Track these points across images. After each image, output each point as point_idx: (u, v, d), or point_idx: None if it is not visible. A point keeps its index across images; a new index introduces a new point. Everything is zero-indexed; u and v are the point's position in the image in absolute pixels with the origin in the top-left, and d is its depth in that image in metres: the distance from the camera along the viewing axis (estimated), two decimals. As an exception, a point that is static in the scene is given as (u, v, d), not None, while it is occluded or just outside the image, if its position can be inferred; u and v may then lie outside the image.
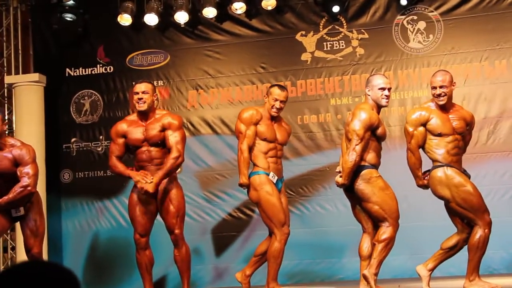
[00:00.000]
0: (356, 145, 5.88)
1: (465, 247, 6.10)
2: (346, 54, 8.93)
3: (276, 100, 6.40)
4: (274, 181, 6.34)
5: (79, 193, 9.29)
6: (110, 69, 9.48)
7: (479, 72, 8.52)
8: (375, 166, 6.04)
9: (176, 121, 6.32)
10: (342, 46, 8.95)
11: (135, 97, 6.33)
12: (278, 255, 6.24)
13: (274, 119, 6.50)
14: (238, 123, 6.46)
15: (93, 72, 9.50)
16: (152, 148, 6.29)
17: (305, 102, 8.92)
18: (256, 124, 6.39)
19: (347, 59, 8.91)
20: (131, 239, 6.46)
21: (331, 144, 8.69)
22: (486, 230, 5.97)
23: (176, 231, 6.25)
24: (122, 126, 6.47)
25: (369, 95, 6.09)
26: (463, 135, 6.18)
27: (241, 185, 6.38)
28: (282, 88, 6.56)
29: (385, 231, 5.93)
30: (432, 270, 6.18)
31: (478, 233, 5.97)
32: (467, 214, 6.02)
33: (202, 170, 9.03)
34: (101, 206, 9.18)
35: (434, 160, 6.12)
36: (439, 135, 6.06)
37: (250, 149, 6.36)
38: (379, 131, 6.03)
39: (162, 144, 6.28)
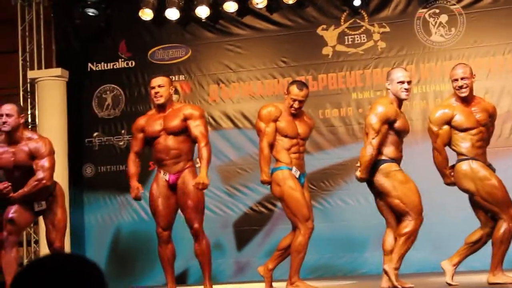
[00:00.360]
0: (373, 138, 5.88)
1: (489, 242, 6.06)
2: (367, 48, 8.89)
3: (295, 100, 6.36)
4: (297, 176, 6.31)
5: (101, 187, 9.34)
6: (132, 63, 9.51)
7: (502, 65, 8.46)
8: (395, 160, 6.01)
9: (197, 111, 6.34)
10: (364, 40, 8.91)
11: (152, 91, 6.35)
12: (302, 250, 6.23)
13: (295, 114, 6.46)
14: (258, 121, 6.45)
15: (115, 66, 9.53)
16: (169, 137, 6.27)
17: (327, 96, 8.90)
18: (275, 120, 6.36)
19: (368, 53, 8.88)
20: (153, 233, 6.47)
21: (352, 138, 8.67)
22: (510, 224, 5.94)
23: (195, 225, 6.22)
24: (141, 121, 6.50)
25: (389, 89, 6.08)
26: (487, 126, 6.15)
27: (262, 182, 6.40)
28: (301, 86, 6.43)
29: (407, 225, 5.90)
30: (457, 265, 6.15)
31: (503, 227, 5.94)
32: (492, 208, 5.99)
33: (223, 164, 9.03)
34: (123, 200, 9.21)
35: (459, 154, 6.09)
36: (465, 130, 6.04)
37: (272, 146, 6.35)
38: (397, 124, 5.99)
39: (180, 133, 6.26)
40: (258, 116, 6.45)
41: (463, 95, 6.07)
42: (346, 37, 8.95)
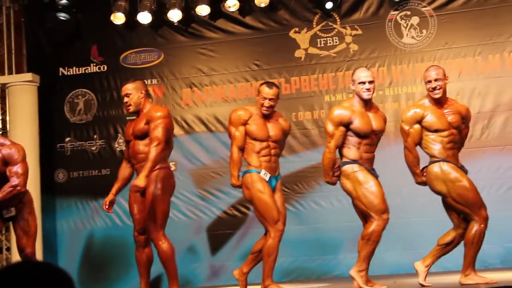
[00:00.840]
0: (328, 142, 6.10)
1: (462, 242, 6.12)
2: (339, 51, 8.93)
3: (265, 98, 6.36)
4: (267, 179, 6.32)
5: (73, 193, 9.27)
6: (103, 68, 9.46)
7: (472, 67, 8.53)
8: (357, 161, 6.07)
9: (158, 112, 6.16)
10: (336, 42, 8.95)
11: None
12: (273, 252, 6.23)
13: (268, 116, 6.46)
14: (229, 125, 6.48)
15: (86, 71, 9.48)
16: (136, 141, 6.24)
17: (299, 99, 8.92)
18: (244, 124, 6.37)
19: (340, 55, 8.91)
20: (127, 238, 6.47)
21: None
22: (482, 225, 5.99)
23: (150, 232, 6.14)
24: (127, 127, 6.53)
25: (353, 90, 6.18)
26: (459, 129, 6.20)
27: (232, 185, 6.44)
28: (271, 85, 6.48)
29: (368, 226, 5.97)
30: (429, 266, 6.20)
31: (474, 228, 5.99)
32: (463, 209, 6.04)
33: (196, 168, 9.02)
34: (96, 205, 9.13)
35: (430, 156, 6.14)
36: (436, 131, 6.09)
37: (243, 149, 6.38)
38: (354, 126, 6.06)
39: (145, 137, 6.17)
40: (229, 120, 6.48)
41: (436, 96, 6.13)
42: (318, 40, 8.98)
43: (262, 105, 6.38)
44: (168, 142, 6.18)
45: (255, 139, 6.36)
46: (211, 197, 8.95)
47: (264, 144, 6.38)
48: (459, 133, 6.21)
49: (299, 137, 8.82)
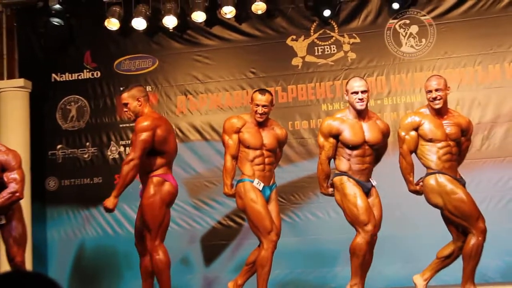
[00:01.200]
0: (320, 154, 6.17)
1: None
2: (337, 59, 8.90)
3: (258, 105, 6.35)
4: (260, 188, 6.28)
5: (64, 201, 9.23)
6: (97, 74, 9.43)
7: (472, 77, 8.51)
8: (346, 173, 6.05)
9: (138, 123, 6.06)
10: (334, 50, 8.92)
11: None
12: (266, 264, 6.17)
13: (263, 124, 6.43)
14: (222, 133, 6.48)
15: (79, 77, 9.45)
16: None
17: (296, 108, 8.89)
18: (238, 132, 6.36)
19: (338, 64, 8.89)
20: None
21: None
22: (480, 238, 5.95)
23: (146, 241, 6.10)
24: None
25: (347, 100, 6.17)
26: (458, 141, 6.16)
27: (225, 194, 6.40)
28: (263, 92, 6.46)
29: (353, 239, 5.96)
30: (428, 279, 6.18)
31: (472, 241, 5.96)
32: (460, 222, 6.00)
33: (190, 177, 8.97)
34: (87, 214, 9.11)
35: (427, 167, 6.13)
36: (430, 140, 6.09)
37: (236, 157, 6.33)
38: (342, 137, 6.08)
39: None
40: (223, 128, 6.47)
41: (436, 106, 6.11)
42: (316, 48, 8.95)
43: (255, 112, 6.36)
44: (160, 152, 6.07)
45: (248, 147, 6.33)
46: (205, 207, 8.90)
47: (258, 152, 6.34)
48: (457, 145, 6.17)
49: (296, 146, 8.78)
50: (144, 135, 5.97)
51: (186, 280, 8.67)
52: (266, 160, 6.40)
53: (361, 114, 6.13)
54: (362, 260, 5.94)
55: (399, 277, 7.83)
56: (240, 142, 6.35)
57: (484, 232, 5.98)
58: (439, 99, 6.10)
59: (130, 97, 6.20)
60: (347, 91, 6.14)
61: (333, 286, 8.34)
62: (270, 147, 6.44)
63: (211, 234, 8.86)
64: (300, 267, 8.50)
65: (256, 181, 6.28)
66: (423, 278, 6.16)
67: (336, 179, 6.10)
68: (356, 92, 6.06)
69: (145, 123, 6.03)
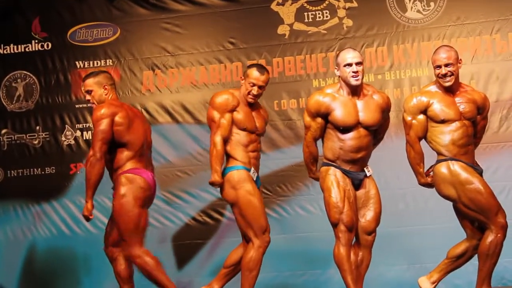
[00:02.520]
0: (305, 134, 6.17)
1: (476, 256, 6.11)
2: (331, 27, 8.90)
3: (254, 85, 6.36)
4: (254, 178, 6.31)
5: (11, 195, 9.20)
6: (47, 45, 9.39)
7: (489, 46, 8.52)
8: (334, 162, 6.06)
9: (94, 111, 6.15)
10: (327, 17, 8.92)
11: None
12: (255, 267, 6.19)
13: (251, 105, 6.46)
14: (211, 109, 6.40)
15: (27, 49, 9.41)
16: None
17: (283, 84, 8.89)
18: (232, 111, 6.34)
19: (332, 33, 8.88)
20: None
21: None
22: (499, 235, 5.97)
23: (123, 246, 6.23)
24: None
25: (338, 76, 6.10)
26: (474, 120, 6.16)
27: (212, 183, 6.31)
28: (262, 70, 6.47)
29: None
30: (436, 282, 6.20)
31: (490, 237, 5.99)
32: (477, 216, 6.02)
33: (160, 166, 8.93)
34: (38, 210, 9.10)
35: (438, 153, 6.12)
36: (443, 122, 6.06)
37: (225, 141, 6.31)
38: (332, 117, 6.03)
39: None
40: (211, 104, 6.39)
41: (447, 84, 6.10)
42: (305, 14, 8.95)
43: (249, 92, 6.36)
44: (123, 143, 6.14)
45: (244, 129, 6.30)
46: (178, 200, 8.92)
47: (253, 136, 6.36)
48: (473, 125, 6.17)
49: (283, 129, 8.78)
50: (101, 125, 6.05)
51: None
52: (259, 146, 6.47)
53: (356, 91, 6.11)
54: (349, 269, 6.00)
55: (402, 280, 7.88)
56: (234, 123, 6.33)
57: (504, 228, 5.99)
58: (449, 76, 6.09)
59: (95, 84, 6.29)
60: (338, 64, 6.06)
61: (326, 292, 8.40)
62: (262, 131, 6.53)
63: (184, 232, 8.87)
64: (289, 269, 8.53)
65: (252, 170, 6.29)
66: (431, 281, 6.18)
67: (323, 170, 6.10)
68: (350, 64, 6.00)
69: (100, 111, 6.10)
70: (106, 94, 6.26)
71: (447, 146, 6.06)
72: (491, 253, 5.99)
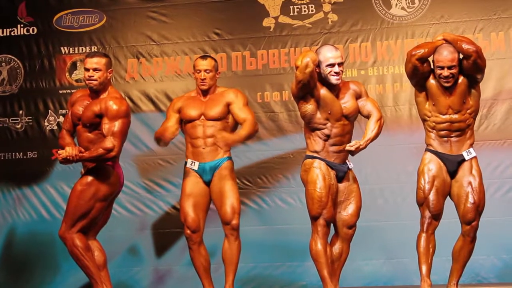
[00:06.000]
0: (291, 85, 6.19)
1: (451, 252, 6.16)
2: (316, 21, 8.90)
3: (200, 71, 6.74)
4: (196, 168, 6.60)
5: (-8, 179, 9.18)
6: (33, 30, 9.34)
7: (472, 45, 8.54)
8: (318, 154, 6.06)
9: (115, 106, 6.14)
10: (312, 10, 8.92)
11: (85, 73, 6.28)
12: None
13: (206, 93, 6.74)
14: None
15: (12, 33, 9.36)
16: (83, 129, 6.26)
17: (267, 77, 8.89)
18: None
19: (317, 27, 8.89)
20: (54, 234, 6.39)
21: (296, 126, 8.65)
22: (467, 238, 6.09)
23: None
24: (72, 97, 6.58)
25: (317, 71, 6.04)
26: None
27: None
28: (204, 56, 6.92)
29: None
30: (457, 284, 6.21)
31: (461, 239, 6.11)
32: None
33: (142, 154, 8.94)
34: (19, 194, 9.07)
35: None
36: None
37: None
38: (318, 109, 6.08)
39: (94, 129, 6.21)
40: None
41: (447, 85, 6.11)
42: (291, 7, 8.95)
43: (197, 79, 6.80)
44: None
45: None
46: (158, 189, 8.90)
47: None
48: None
49: (265, 121, 8.78)
50: (126, 124, 6.20)
51: (133, 273, 8.68)
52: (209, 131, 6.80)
53: (334, 88, 6.12)
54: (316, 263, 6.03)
55: (379, 275, 7.91)
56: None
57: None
58: (451, 78, 6.10)
59: (105, 65, 6.31)
60: (320, 62, 6.02)
61: (303, 284, 8.40)
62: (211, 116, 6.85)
63: (164, 220, 8.85)
64: (266, 261, 8.53)
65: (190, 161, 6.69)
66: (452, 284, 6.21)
67: (307, 162, 6.11)
68: (332, 65, 5.97)
69: (126, 106, 6.23)
70: (108, 79, 6.32)
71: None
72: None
